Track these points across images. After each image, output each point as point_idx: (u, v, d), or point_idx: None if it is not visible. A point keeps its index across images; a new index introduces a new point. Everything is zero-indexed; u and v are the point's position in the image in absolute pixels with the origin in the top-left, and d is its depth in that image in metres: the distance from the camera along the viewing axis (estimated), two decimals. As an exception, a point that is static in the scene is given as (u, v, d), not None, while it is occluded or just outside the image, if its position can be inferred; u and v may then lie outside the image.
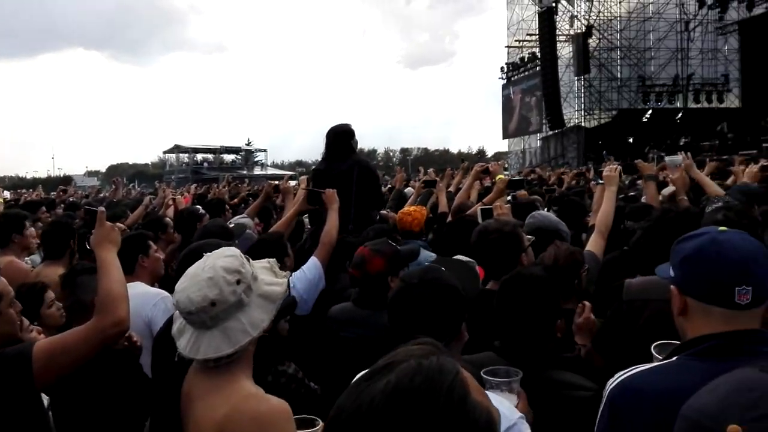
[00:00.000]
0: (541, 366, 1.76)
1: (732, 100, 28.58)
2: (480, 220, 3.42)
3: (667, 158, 10.16)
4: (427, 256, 3.32)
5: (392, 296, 1.76)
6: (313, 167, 4.80)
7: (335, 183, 3.78)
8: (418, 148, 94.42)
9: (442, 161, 74.09)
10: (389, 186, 9.38)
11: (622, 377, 1.37)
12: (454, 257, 2.59)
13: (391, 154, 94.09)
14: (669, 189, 4.95)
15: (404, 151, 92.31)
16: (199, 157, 55.64)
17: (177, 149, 55.44)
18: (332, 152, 4.27)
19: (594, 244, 2.94)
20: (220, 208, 5.06)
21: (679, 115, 26.34)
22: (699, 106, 27.81)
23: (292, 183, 5.32)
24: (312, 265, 3.00)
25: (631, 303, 2.14)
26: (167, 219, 4.30)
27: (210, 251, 1.55)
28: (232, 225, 3.89)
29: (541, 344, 1.82)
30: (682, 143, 22.42)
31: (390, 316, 1.73)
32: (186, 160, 55.49)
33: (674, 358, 1.35)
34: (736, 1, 25.74)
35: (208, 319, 1.41)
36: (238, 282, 1.44)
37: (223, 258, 1.48)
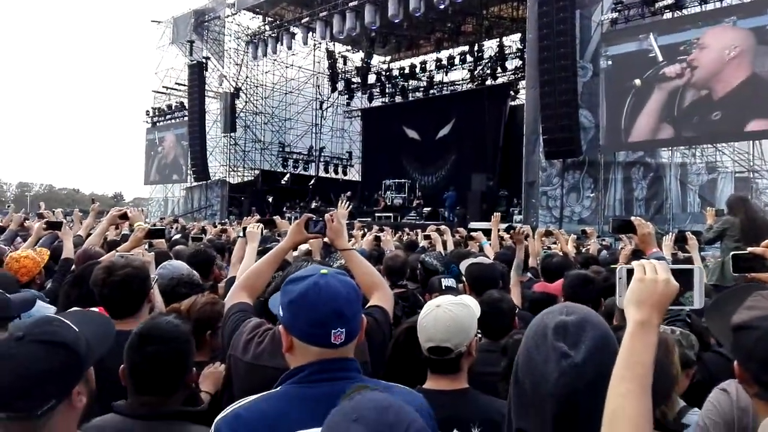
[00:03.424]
0: (169, 420, 1.67)
1: (354, 174, 33.20)
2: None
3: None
4: (42, 307, 2.88)
5: None
6: None
7: None
8: (42, 185, 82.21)
9: (70, 201, 66.27)
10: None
11: (234, 407, 1.42)
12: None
13: (5, 187, 79.24)
14: (306, 246, 5.50)
15: (23, 186, 79.29)
16: None
17: None
18: None
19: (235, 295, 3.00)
20: None
21: (312, 181, 29.26)
22: (328, 175, 31.41)
23: None
24: None
25: None
26: None
27: None
28: None
29: (170, 399, 1.72)
30: (313, 206, 24.99)
31: None
32: None
33: (279, 387, 1.44)
34: (360, 92, 30.60)
35: None
36: None
37: None
